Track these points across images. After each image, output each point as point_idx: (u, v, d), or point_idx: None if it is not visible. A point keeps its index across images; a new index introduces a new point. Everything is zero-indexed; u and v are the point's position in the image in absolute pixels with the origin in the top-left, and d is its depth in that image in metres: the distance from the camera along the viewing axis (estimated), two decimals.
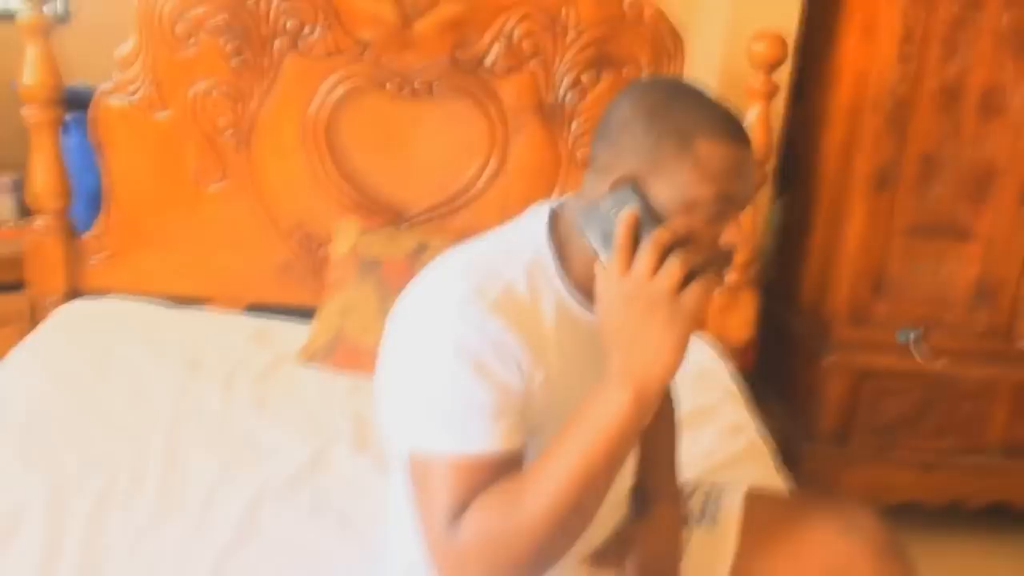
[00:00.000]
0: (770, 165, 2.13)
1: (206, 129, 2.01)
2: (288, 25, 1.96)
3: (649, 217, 0.93)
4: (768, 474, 1.65)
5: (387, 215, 2.07)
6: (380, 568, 1.23)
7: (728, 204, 0.97)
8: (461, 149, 2.08)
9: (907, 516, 1.99)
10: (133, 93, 1.98)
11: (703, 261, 0.93)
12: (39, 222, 2.04)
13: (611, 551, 1.20)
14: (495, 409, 0.93)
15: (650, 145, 0.96)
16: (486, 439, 0.93)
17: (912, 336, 2.16)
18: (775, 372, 2.38)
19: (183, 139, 2.01)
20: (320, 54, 1.98)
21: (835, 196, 2.21)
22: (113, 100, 1.98)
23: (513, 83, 2.03)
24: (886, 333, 2.17)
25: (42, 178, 2.02)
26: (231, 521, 1.39)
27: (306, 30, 1.96)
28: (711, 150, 0.95)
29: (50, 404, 1.66)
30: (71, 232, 2.07)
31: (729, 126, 0.97)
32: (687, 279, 0.90)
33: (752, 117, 2.01)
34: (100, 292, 2.08)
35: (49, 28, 1.96)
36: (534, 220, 1.07)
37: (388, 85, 2.01)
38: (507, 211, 2.09)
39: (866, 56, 2.10)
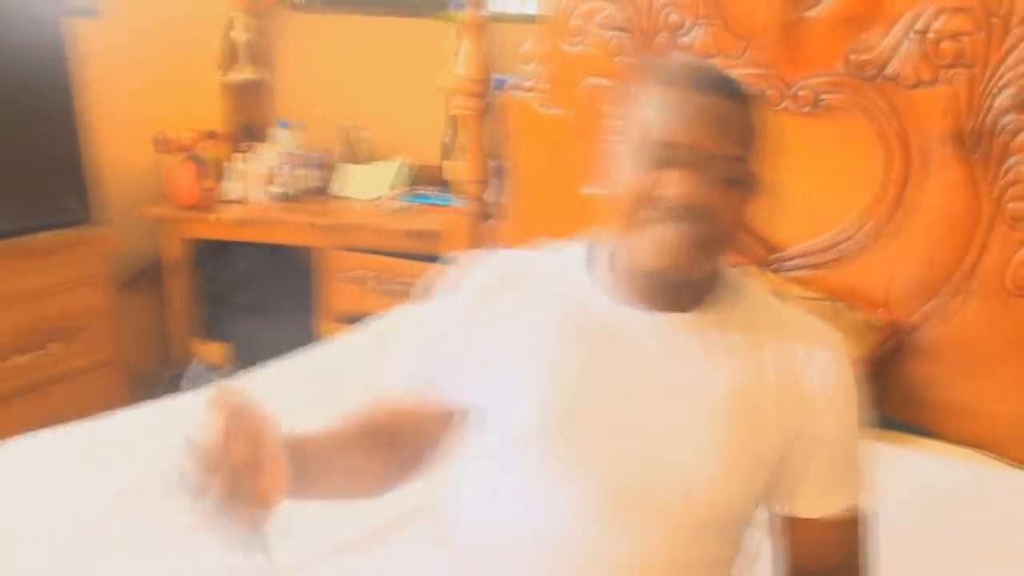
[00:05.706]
0: None
1: (589, 131, 1.91)
2: (671, 19, 1.74)
3: None
4: None
5: (760, 248, 1.72)
6: None
7: None
8: (848, 181, 1.60)
9: None
10: (530, 89, 1.99)
11: None
12: (458, 204, 2.21)
13: None
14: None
15: None
16: None
17: None
18: None
19: (567, 138, 1.95)
20: (699, 53, 1.71)
21: None
22: (515, 93, 2.02)
23: (924, 99, 1.48)
24: None
25: (465, 166, 2.17)
26: None
27: (686, 26, 1.72)
28: None
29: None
30: (483, 215, 2.19)
31: None
32: None
33: None
34: None
35: (484, 25, 2.08)
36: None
37: (769, 91, 1.64)
38: (896, 276, 1.58)
39: None
